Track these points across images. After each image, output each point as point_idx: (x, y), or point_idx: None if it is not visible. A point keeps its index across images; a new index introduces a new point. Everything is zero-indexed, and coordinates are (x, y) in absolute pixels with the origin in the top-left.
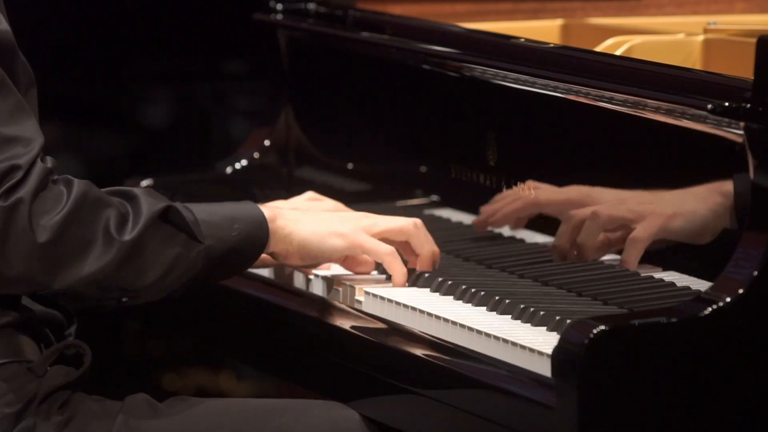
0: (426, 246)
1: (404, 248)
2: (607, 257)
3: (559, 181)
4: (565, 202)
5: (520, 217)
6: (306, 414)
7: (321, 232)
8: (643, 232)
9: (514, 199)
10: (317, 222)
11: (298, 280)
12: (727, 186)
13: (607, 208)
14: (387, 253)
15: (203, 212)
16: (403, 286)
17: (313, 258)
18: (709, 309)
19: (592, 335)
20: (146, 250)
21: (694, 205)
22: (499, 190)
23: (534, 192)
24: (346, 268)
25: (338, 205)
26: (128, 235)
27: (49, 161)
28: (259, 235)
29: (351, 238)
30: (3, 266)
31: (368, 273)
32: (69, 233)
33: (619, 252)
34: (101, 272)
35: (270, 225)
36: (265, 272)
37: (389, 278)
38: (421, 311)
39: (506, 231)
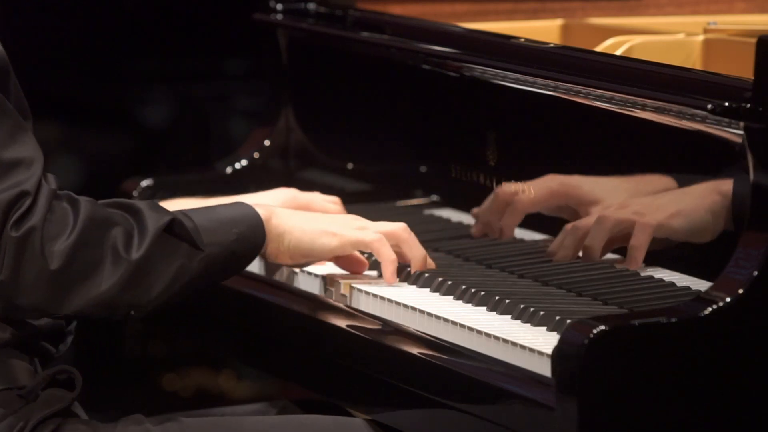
0: (416, 250)
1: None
2: (606, 257)
3: None
4: (550, 195)
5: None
6: (305, 428)
7: (313, 230)
8: (652, 219)
9: (508, 209)
10: (309, 221)
11: (298, 280)
12: (726, 185)
13: (612, 211)
14: (375, 240)
15: (203, 218)
16: (393, 272)
17: (303, 257)
18: (709, 309)
19: (592, 335)
20: (152, 266)
21: (694, 203)
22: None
23: (522, 194)
24: (341, 267)
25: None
26: (136, 253)
27: (52, 180)
28: (256, 237)
29: (341, 236)
30: (15, 296)
31: (362, 272)
32: (79, 257)
33: (619, 252)
34: (110, 292)
35: (265, 225)
36: (264, 272)
37: None
38: (421, 311)
39: None
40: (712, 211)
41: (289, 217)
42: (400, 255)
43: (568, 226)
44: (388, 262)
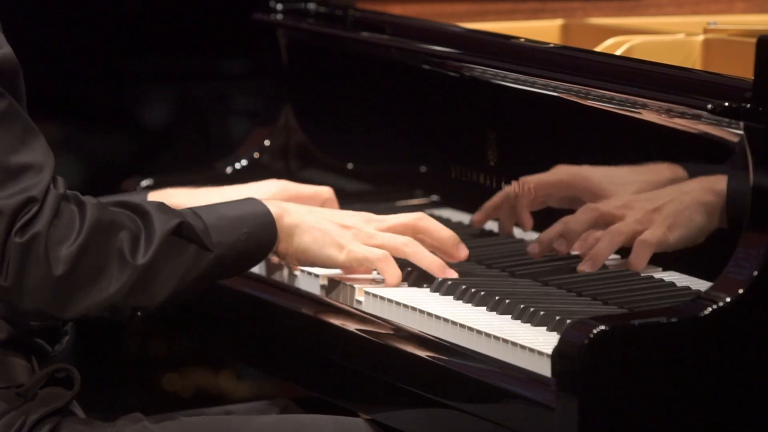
0: (424, 260)
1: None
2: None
3: None
4: (557, 185)
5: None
6: (304, 428)
7: (323, 239)
8: (652, 236)
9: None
10: (319, 228)
11: (299, 281)
12: (720, 184)
13: (625, 225)
14: (379, 260)
15: (212, 217)
16: (397, 286)
17: (309, 263)
18: (709, 309)
19: (592, 335)
20: (159, 270)
21: (690, 210)
22: (499, 190)
23: (528, 188)
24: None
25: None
26: (142, 258)
27: (60, 184)
28: (267, 235)
29: (348, 251)
30: (19, 301)
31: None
32: (84, 262)
33: (619, 252)
34: (115, 297)
35: (277, 223)
36: (266, 272)
37: None
38: (421, 311)
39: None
40: (708, 213)
41: (302, 216)
42: (426, 243)
43: (564, 220)
44: (393, 279)
